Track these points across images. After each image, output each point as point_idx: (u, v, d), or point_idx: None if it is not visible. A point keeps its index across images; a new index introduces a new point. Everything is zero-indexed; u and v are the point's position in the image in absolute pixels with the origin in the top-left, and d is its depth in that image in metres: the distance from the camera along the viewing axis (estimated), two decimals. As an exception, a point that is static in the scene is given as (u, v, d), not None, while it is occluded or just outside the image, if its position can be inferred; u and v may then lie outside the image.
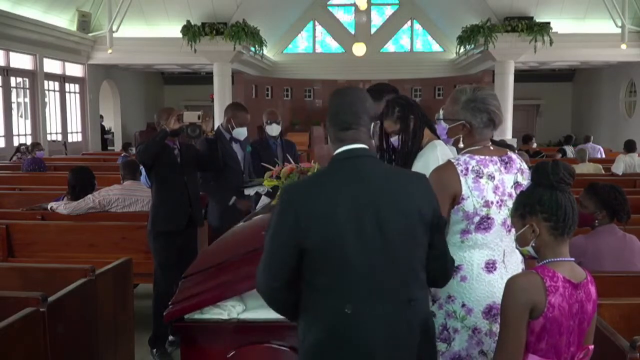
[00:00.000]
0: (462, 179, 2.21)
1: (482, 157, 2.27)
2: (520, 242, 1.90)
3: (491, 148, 2.32)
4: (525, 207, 1.86)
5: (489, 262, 2.24)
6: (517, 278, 1.84)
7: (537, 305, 1.76)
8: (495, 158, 2.28)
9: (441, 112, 2.42)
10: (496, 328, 2.12)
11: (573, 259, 1.86)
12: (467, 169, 2.23)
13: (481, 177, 2.23)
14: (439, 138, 2.89)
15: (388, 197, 1.87)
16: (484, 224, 2.22)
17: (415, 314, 1.89)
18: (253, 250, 2.61)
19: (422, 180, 1.99)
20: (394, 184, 1.92)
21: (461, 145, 2.33)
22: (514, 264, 2.31)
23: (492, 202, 2.22)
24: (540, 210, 1.82)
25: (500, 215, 2.24)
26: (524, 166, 2.35)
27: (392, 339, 1.85)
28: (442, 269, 2.04)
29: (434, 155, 2.78)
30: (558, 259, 1.82)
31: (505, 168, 2.28)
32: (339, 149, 1.95)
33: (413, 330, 1.89)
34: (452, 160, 2.28)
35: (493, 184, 2.24)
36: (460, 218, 2.23)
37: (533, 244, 1.86)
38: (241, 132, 4.82)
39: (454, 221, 2.25)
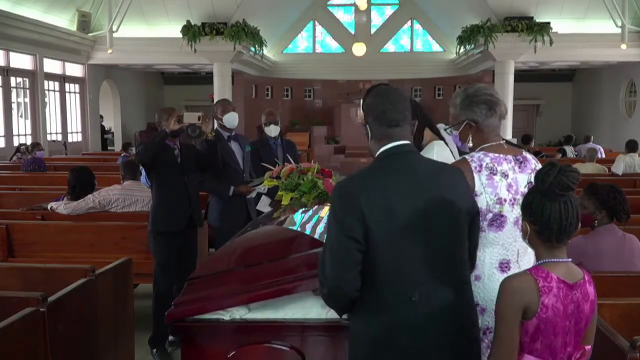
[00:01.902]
0: (476, 176, 2.24)
1: (497, 154, 2.30)
2: (522, 233, 1.94)
3: (505, 147, 2.35)
4: (523, 207, 1.88)
5: (503, 261, 2.26)
6: (510, 279, 1.85)
7: (530, 306, 1.76)
8: (509, 157, 2.31)
9: (444, 126, 2.48)
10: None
11: (569, 259, 1.86)
12: (480, 166, 2.26)
13: (495, 175, 2.26)
14: (440, 138, 2.89)
15: (436, 188, 1.97)
16: (497, 221, 2.24)
17: (468, 297, 2.01)
18: (258, 263, 2.62)
19: (461, 175, 2.09)
20: (441, 177, 2.02)
21: (470, 144, 2.36)
22: (528, 264, 2.31)
23: (505, 200, 2.25)
24: (529, 213, 1.84)
25: (513, 213, 2.26)
26: (540, 167, 2.35)
27: (451, 322, 1.92)
28: (473, 262, 2.13)
29: (431, 156, 2.79)
30: (553, 260, 1.82)
31: (519, 167, 2.31)
32: (386, 145, 2.02)
33: (467, 313, 1.99)
34: (467, 157, 2.31)
35: (506, 181, 2.26)
36: None
37: (526, 241, 1.90)
38: (231, 118, 4.73)
39: None
